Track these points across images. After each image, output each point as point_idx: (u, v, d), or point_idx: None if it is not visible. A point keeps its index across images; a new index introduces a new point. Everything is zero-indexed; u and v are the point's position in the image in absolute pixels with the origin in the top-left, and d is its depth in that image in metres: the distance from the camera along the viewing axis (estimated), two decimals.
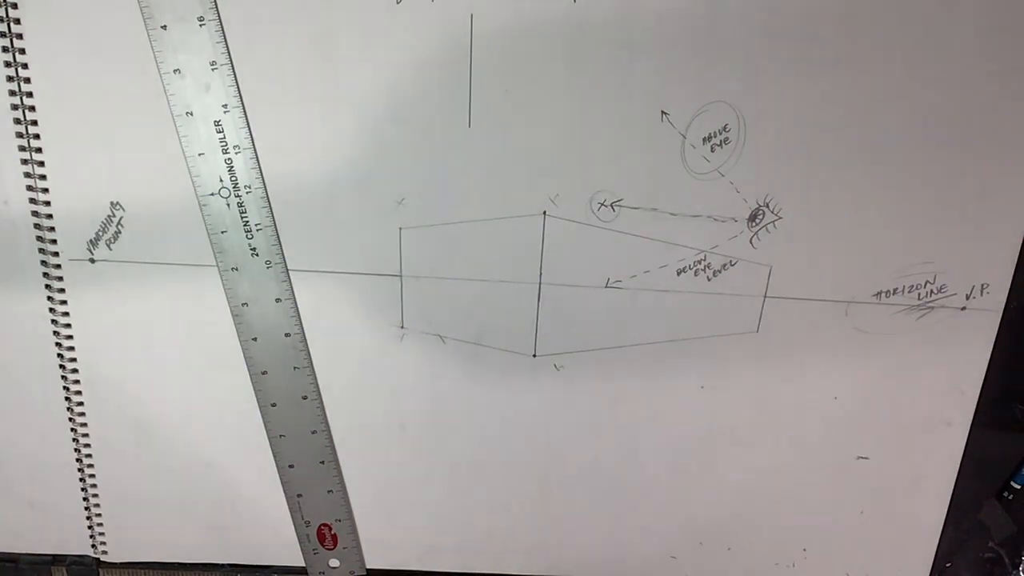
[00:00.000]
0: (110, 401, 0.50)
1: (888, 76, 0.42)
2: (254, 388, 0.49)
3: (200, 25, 0.42)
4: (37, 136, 0.44)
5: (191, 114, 0.43)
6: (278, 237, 0.46)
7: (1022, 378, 0.50)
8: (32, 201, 0.45)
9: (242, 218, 0.45)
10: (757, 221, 0.46)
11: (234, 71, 0.43)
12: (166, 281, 0.47)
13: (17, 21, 0.42)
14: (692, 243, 0.46)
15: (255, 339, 0.48)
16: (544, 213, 0.46)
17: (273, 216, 0.45)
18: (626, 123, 0.44)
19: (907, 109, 0.43)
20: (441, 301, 0.48)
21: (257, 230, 0.46)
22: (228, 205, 0.45)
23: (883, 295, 0.47)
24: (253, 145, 0.44)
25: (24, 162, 0.44)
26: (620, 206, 0.45)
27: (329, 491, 0.53)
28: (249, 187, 0.45)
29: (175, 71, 0.42)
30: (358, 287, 0.47)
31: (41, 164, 0.44)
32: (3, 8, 0.42)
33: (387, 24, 0.42)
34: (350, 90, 0.43)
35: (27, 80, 0.43)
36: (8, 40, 0.42)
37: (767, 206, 0.45)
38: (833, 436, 0.52)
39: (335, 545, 0.55)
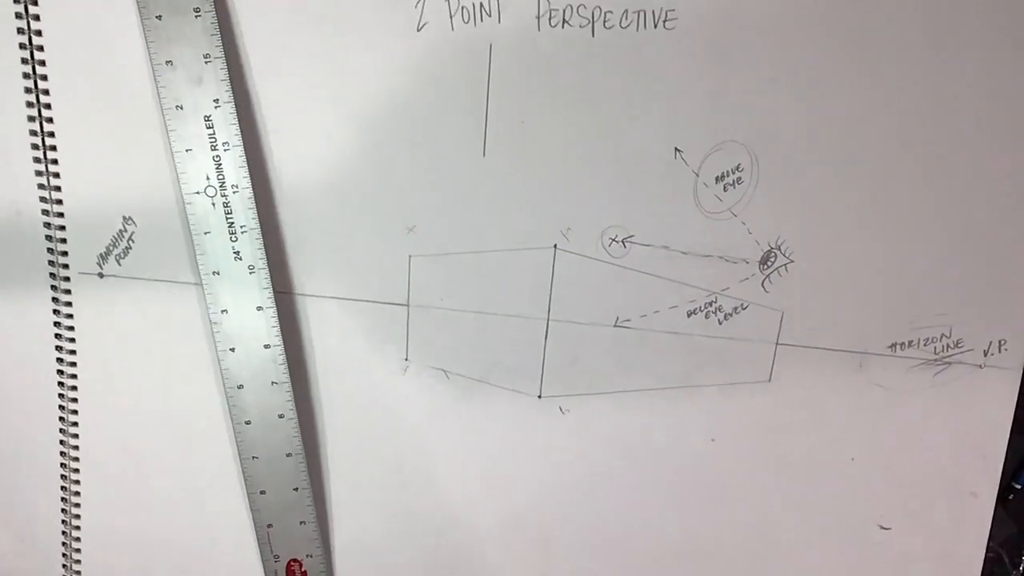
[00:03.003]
0: (103, 423, 0.49)
1: (904, 123, 0.43)
2: (228, 404, 0.47)
3: (196, 16, 0.42)
4: (54, 148, 0.45)
5: (181, 108, 0.43)
6: (263, 241, 0.45)
7: None
8: (44, 212, 0.46)
9: (227, 219, 0.44)
10: (769, 264, 0.45)
11: (228, 65, 0.42)
12: (172, 300, 0.47)
13: (39, 33, 0.43)
14: (703, 284, 0.46)
15: (232, 349, 0.46)
16: (555, 246, 0.46)
17: (259, 219, 0.45)
18: (640, 159, 0.44)
19: (923, 156, 0.43)
20: (447, 333, 0.47)
21: (242, 232, 0.44)
22: (213, 204, 0.44)
23: (898, 347, 0.46)
24: (243, 143, 0.44)
25: (39, 173, 0.45)
26: (631, 242, 0.45)
27: (301, 522, 0.50)
28: (236, 186, 0.44)
29: (167, 62, 0.42)
30: (365, 315, 0.47)
31: (56, 176, 0.45)
32: (24, 20, 0.43)
33: (406, 50, 0.43)
34: (365, 114, 0.44)
35: (46, 92, 0.44)
36: (28, 52, 0.43)
37: (779, 248, 0.45)
38: (851, 501, 0.49)
39: None
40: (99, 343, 0.48)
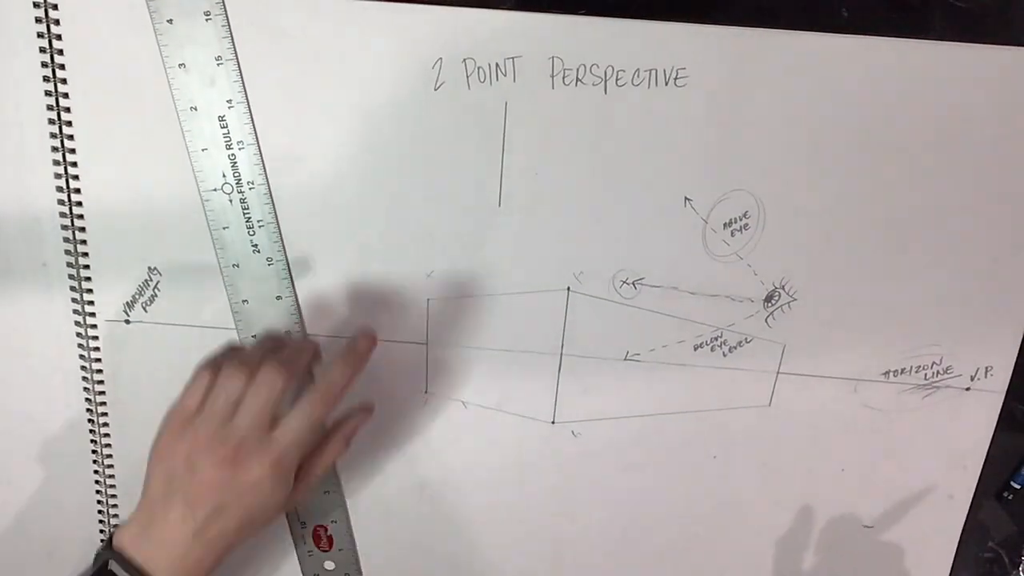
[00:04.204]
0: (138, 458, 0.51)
1: (899, 173, 0.44)
2: None
3: (206, 20, 0.42)
4: (80, 204, 0.45)
5: (195, 109, 0.43)
6: (280, 234, 0.46)
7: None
8: (70, 265, 0.47)
9: (244, 214, 0.45)
10: (773, 302, 0.47)
11: (239, 66, 0.43)
12: (197, 342, 0.48)
13: (64, 81, 0.43)
14: (709, 320, 0.48)
15: (254, 337, 0.48)
16: (568, 289, 0.47)
17: (276, 212, 0.46)
18: (650, 207, 0.45)
19: (918, 202, 0.45)
20: (465, 368, 0.49)
21: (259, 226, 0.46)
22: (231, 201, 0.45)
23: (891, 374, 0.49)
24: (257, 141, 0.44)
25: (64, 227, 0.46)
26: (641, 284, 0.47)
27: (326, 492, 0.53)
28: (252, 183, 0.45)
29: (180, 65, 0.43)
30: (388, 353, 0.49)
31: (83, 230, 0.46)
32: (51, 83, 0.43)
33: (424, 107, 0.43)
34: (387, 169, 0.45)
35: (70, 137, 0.44)
36: (54, 99, 0.44)
37: (783, 288, 0.47)
38: (839, 506, 0.53)
39: (330, 547, 0.55)
40: (128, 385, 0.50)
